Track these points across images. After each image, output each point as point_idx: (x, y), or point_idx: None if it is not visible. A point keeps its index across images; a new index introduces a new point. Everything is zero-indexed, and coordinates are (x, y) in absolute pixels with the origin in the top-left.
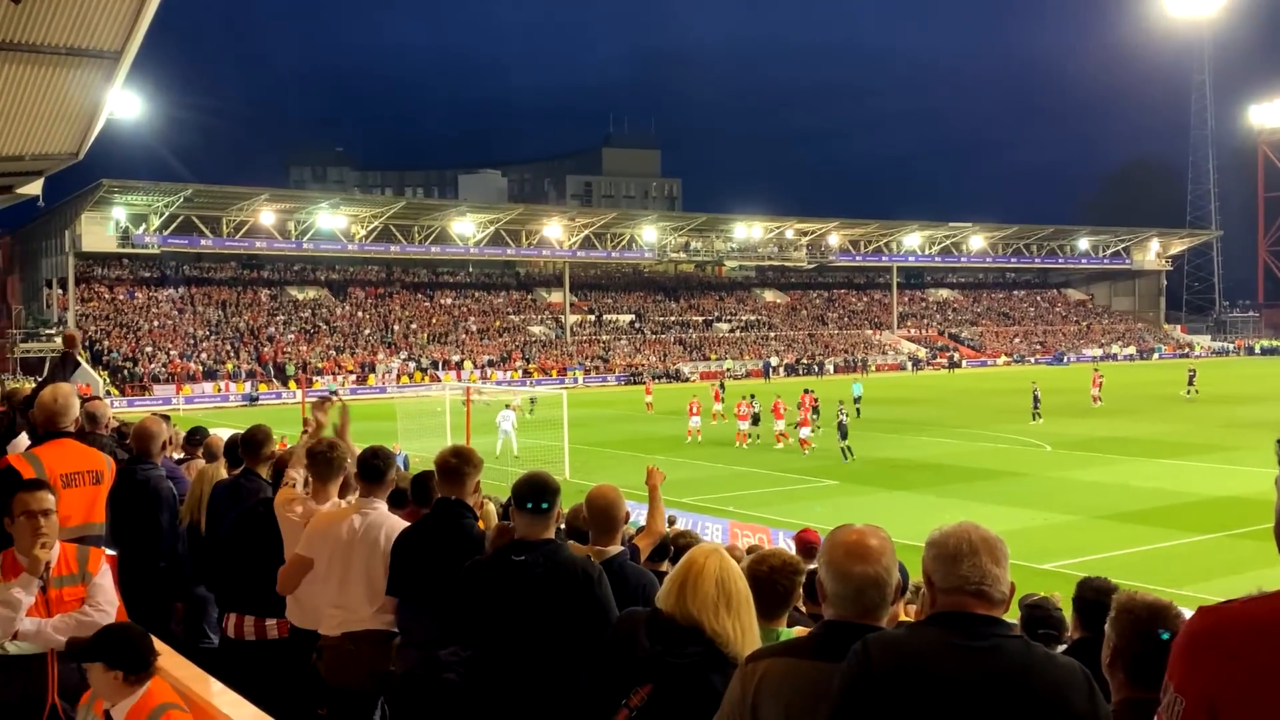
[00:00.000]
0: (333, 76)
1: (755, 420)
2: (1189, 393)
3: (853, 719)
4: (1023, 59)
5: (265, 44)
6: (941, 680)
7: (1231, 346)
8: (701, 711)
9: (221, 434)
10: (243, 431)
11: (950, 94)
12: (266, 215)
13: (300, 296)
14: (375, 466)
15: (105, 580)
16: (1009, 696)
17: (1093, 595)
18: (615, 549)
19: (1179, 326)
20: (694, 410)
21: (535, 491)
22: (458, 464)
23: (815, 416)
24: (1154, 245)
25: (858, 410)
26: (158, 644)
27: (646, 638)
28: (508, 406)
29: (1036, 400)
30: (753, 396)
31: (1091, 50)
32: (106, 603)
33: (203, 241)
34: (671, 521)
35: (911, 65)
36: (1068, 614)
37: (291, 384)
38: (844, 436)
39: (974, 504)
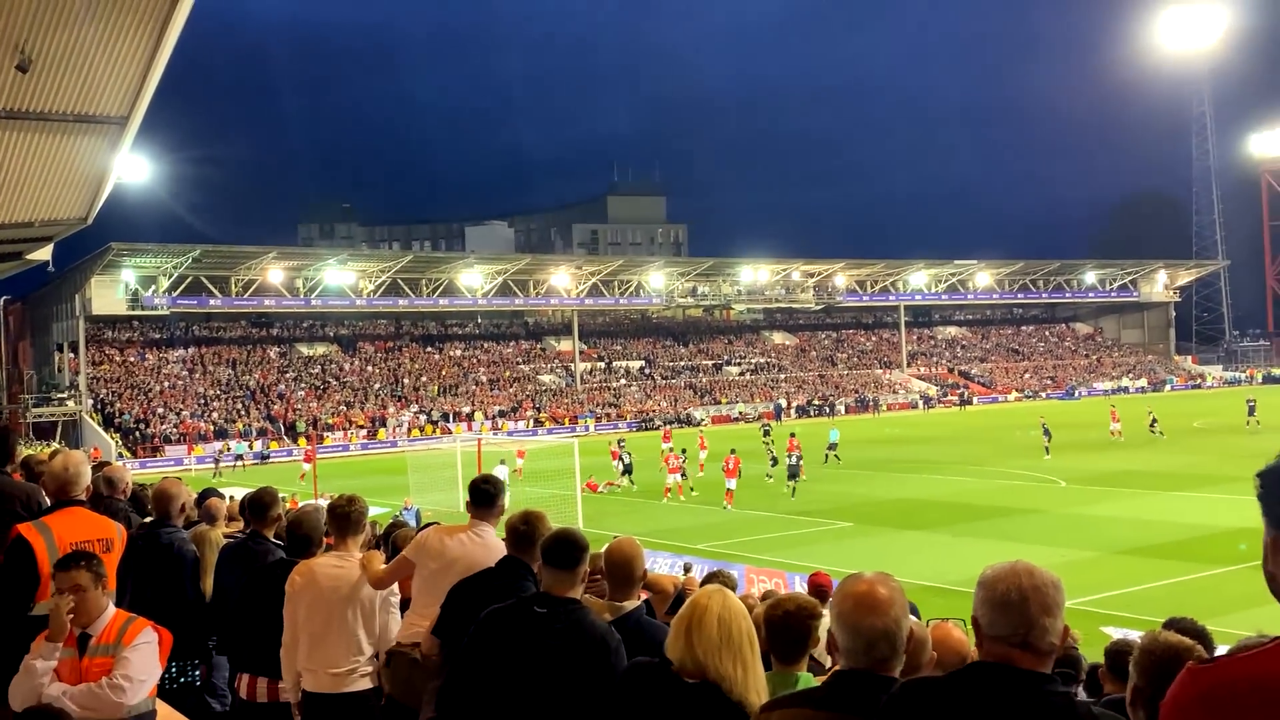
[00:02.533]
0: (338, 133)
1: (684, 475)
2: (1250, 424)
3: None
4: (1023, 96)
5: (272, 103)
6: None
7: (1243, 376)
8: None
9: (225, 495)
10: (250, 493)
11: (952, 133)
12: (275, 273)
13: (310, 353)
14: (347, 515)
15: (135, 654)
16: None
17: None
18: (633, 604)
19: (1190, 357)
20: (673, 466)
21: (565, 548)
22: (528, 530)
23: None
24: (1161, 277)
25: (835, 456)
26: (165, 708)
27: (656, 692)
28: (501, 462)
29: (1047, 434)
30: (684, 450)
31: (1091, 85)
32: (125, 676)
33: (211, 301)
34: (687, 569)
35: (914, 106)
36: (1085, 650)
37: (302, 441)
38: (792, 476)
39: (990, 541)
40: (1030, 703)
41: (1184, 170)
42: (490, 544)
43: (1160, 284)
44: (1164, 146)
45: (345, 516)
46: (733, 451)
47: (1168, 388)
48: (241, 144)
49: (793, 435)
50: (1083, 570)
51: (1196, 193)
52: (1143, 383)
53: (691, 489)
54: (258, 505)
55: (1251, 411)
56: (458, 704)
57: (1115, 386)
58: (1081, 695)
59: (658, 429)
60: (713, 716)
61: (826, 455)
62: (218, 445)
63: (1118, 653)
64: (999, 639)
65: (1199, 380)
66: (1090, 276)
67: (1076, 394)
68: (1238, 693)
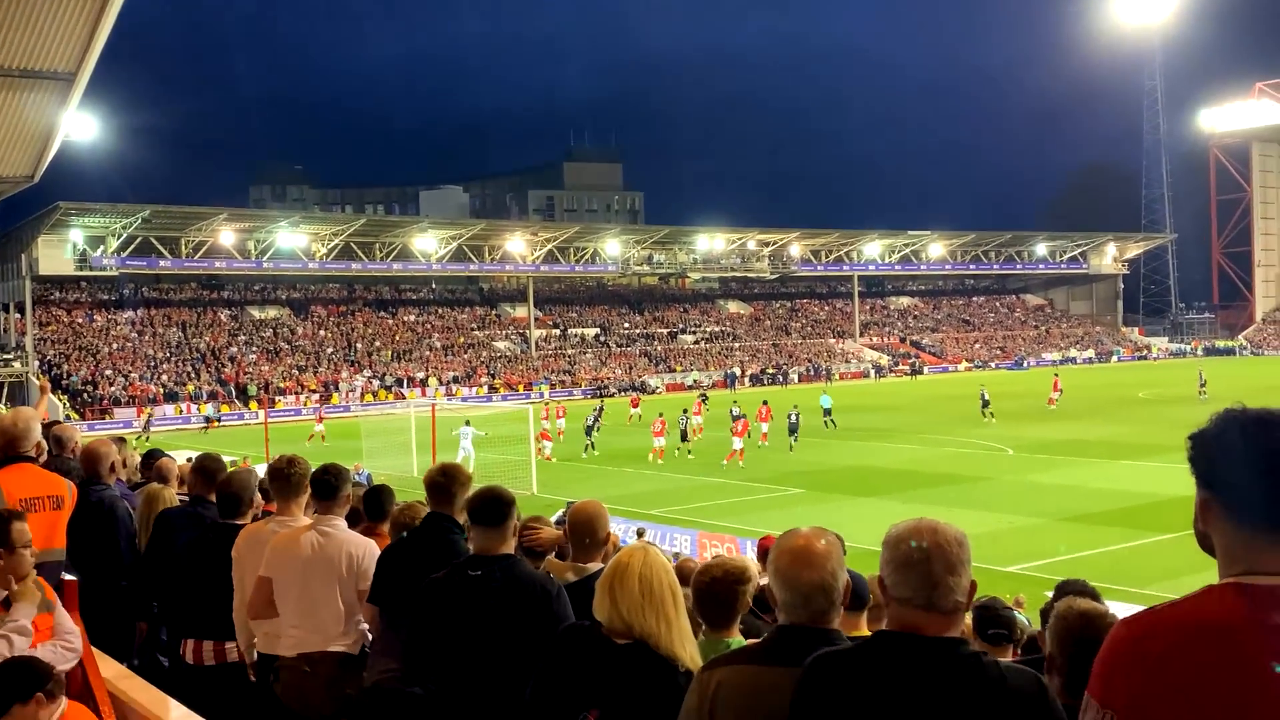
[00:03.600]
0: (292, 94)
1: (684, 436)
2: (1202, 395)
3: None
4: (978, 67)
5: (223, 63)
6: (885, 711)
7: (1188, 348)
8: None
9: (176, 457)
10: (195, 458)
11: (909, 104)
12: (226, 235)
13: (261, 316)
14: (328, 483)
15: (60, 610)
16: None
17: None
18: (596, 565)
19: (1136, 329)
20: (658, 430)
21: (490, 505)
22: (445, 482)
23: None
24: (1110, 249)
25: (832, 422)
26: (116, 666)
27: (588, 656)
28: (466, 423)
29: (985, 402)
30: (685, 410)
31: (1045, 58)
32: (69, 633)
33: (161, 263)
34: (640, 533)
35: (870, 75)
36: (1032, 614)
37: (254, 404)
38: (792, 433)
39: (939, 508)
40: (940, 670)
41: (1135, 144)
42: (342, 537)
43: (1109, 256)
44: (1116, 120)
45: (286, 478)
46: (745, 413)
47: (1114, 359)
48: (192, 104)
49: (765, 403)
50: (1029, 536)
51: (1147, 166)
52: (1090, 354)
53: (689, 452)
54: (203, 471)
55: (1204, 383)
56: (420, 672)
57: (1063, 357)
58: (1010, 657)
59: (625, 394)
60: (644, 674)
61: (825, 421)
62: (169, 409)
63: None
64: (904, 600)
65: (1145, 352)
66: (1041, 248)
67: (1025, 364)
68: (1166, 636)
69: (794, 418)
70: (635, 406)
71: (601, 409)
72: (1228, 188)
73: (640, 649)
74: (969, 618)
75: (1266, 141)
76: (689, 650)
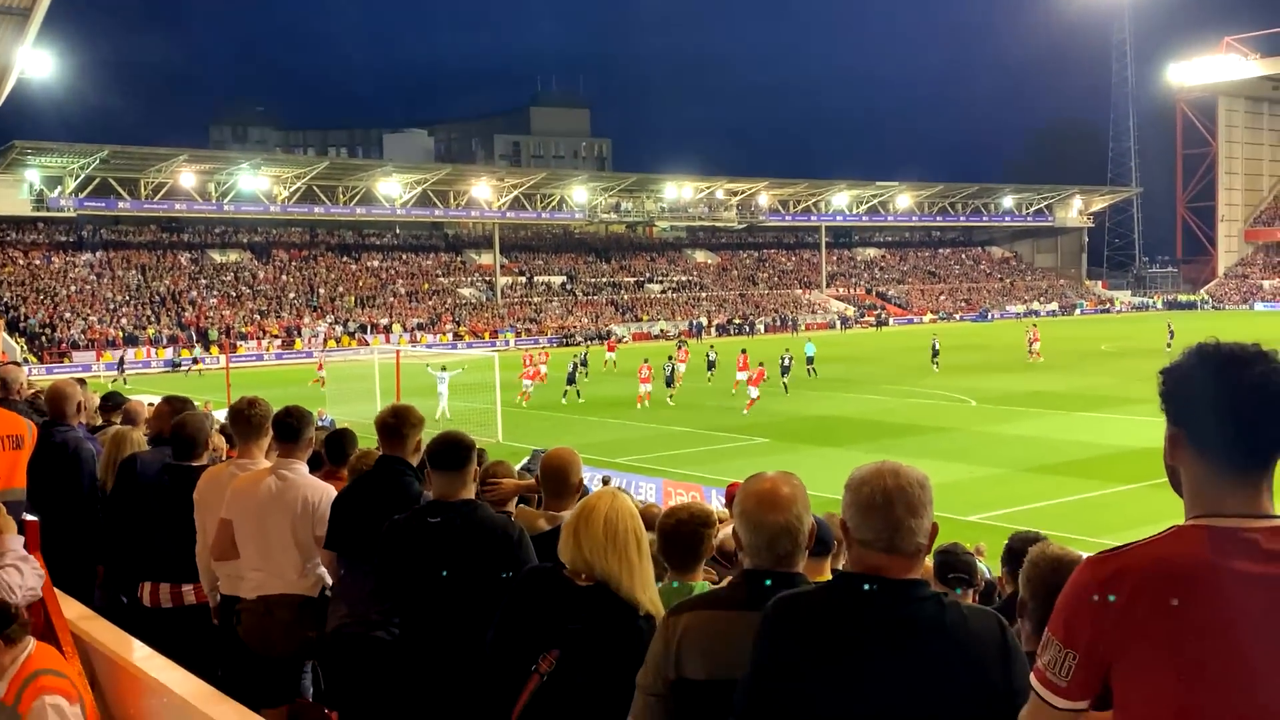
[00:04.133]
0: (254, 34)
1: (669, 382)
2: (1169, 347)
3: (762, 683)
4: (948, 19)
5: (185, 0)
6: (847, 651)
7: (1151, 301)
8: (611, 666)
9: (142, 400)
10: (161, 401)
11: (879, 54)
12: (186, 177)
13: (222, 260)
14: (289, 425)
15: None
16: (919, 666)
17: (1020, 547)
18: (568, 513)
19: (1100, 282)
20: (645, 375)
21: (449, 450)
22: (396, 423)
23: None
24: (1076, 203)
25: (813, 370)
26: (78, 607)
27: (549, 598)
28: (443, 369)
29: (935, 351)
30: (670, 357)
31: (1015, 11)
32: (19, 559)
33: (120, 204)
34: (606, 481)
35: (842, 25)
36: (993, 563)
37: (214, 349)
38: (784, 373)
39: (903, 458)
40: (902, 612)
41: (1103, 98)
42: (300, 480)
43: (1075, 210)
44: (1085, 74)
45: (246, 420)
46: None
47: (1078, 312)
48: (152, 41)
49: (743, 351)
50: (992, 486)
51: (1114, 120)
52: (1054, 306)
53: (670, 398)
54: (171, 414)
55: (1172, 335)
56: (386, 616)
57: (1026, 310)
58: (970, 600)
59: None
60: (604, 616)
61: (809, 370)
62: (130, 352)
63: (1009, 551)
64: (866, 543)
65: (1108, 305)
66: (1008, 201)
67: (990, 316)
68: (1128, 579)
69: (786, 360)
70: (611, 351)
71: (585, 357)
72: (1194, 142)
73: (601, 591)
74: (930, 562)
75: (1233, 96)
76: (649, 595)
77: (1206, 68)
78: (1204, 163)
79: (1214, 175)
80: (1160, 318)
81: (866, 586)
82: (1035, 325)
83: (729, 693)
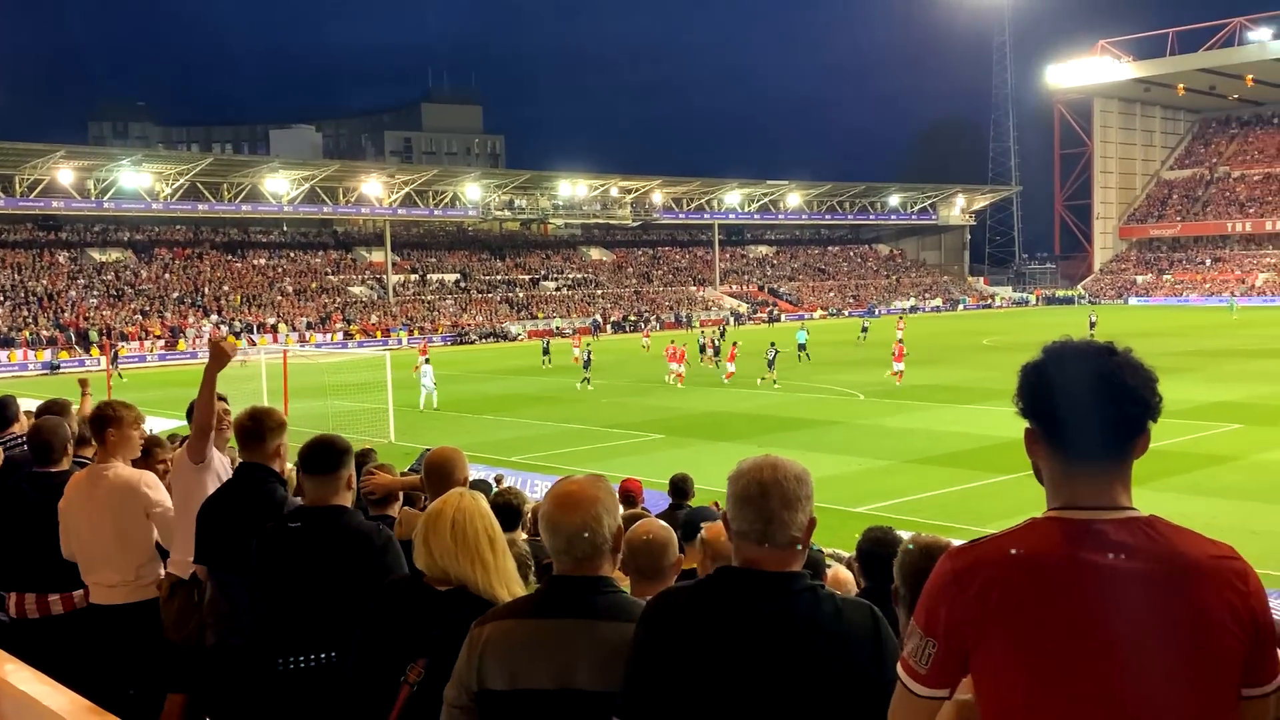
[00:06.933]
0: (135, 27)
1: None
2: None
3: (641, 680)
4: (837, 20)
5: None
6: (724, 645)
7: (1031, 297)
8: None
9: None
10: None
11: (770, 54)
12: (64, 173)
13: (102, 258)
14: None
15: None
16: (794, 658)
17: (869, 546)
18: None
19: (982, 278)
20: (675, 356)
21: (320, 453)
22: (255, 426)
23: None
24: (959, 201)
25: (806, 355)
26: None
27: (410, 608)
28: (427, 361)
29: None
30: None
31: (901, 13)
32: None
33: None
34: (499, 480)
35: (734, 25)
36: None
37: (95, 350)
38: (770, 367)
39: (793, 451)
40: (776, 605)
41: (985, 99)
42: (111, 475)
43: (958, 208)
44: (968, 76)
45: (106, 423)
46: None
47: (960, 307)
48: (26, 34)
49: (672, 342)
50: (878, 478)
51: (995, 121)
52: (938, 302)
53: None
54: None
55: (1092, 326)
56: (264, 629)
57: (911, 305)
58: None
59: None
60: (466, 618)
61: (799, 355)
62: (2, 355)
63: (859, 549)
64: (743, 534)
65: (990, 300)
66: (893, 199)
67: (877, 312)
68: (985, 569)
69: (771, 354)
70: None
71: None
72: (1070, 142)
73: (460, 594)
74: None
75: (1108, 98)
76: (511, 590)
77: (1082, 70)
78: (1080, 162)
79: (1090, 174)
80: (1037, 313)
81: (743, 580)
82: (902, 318)
83: (531, 703)
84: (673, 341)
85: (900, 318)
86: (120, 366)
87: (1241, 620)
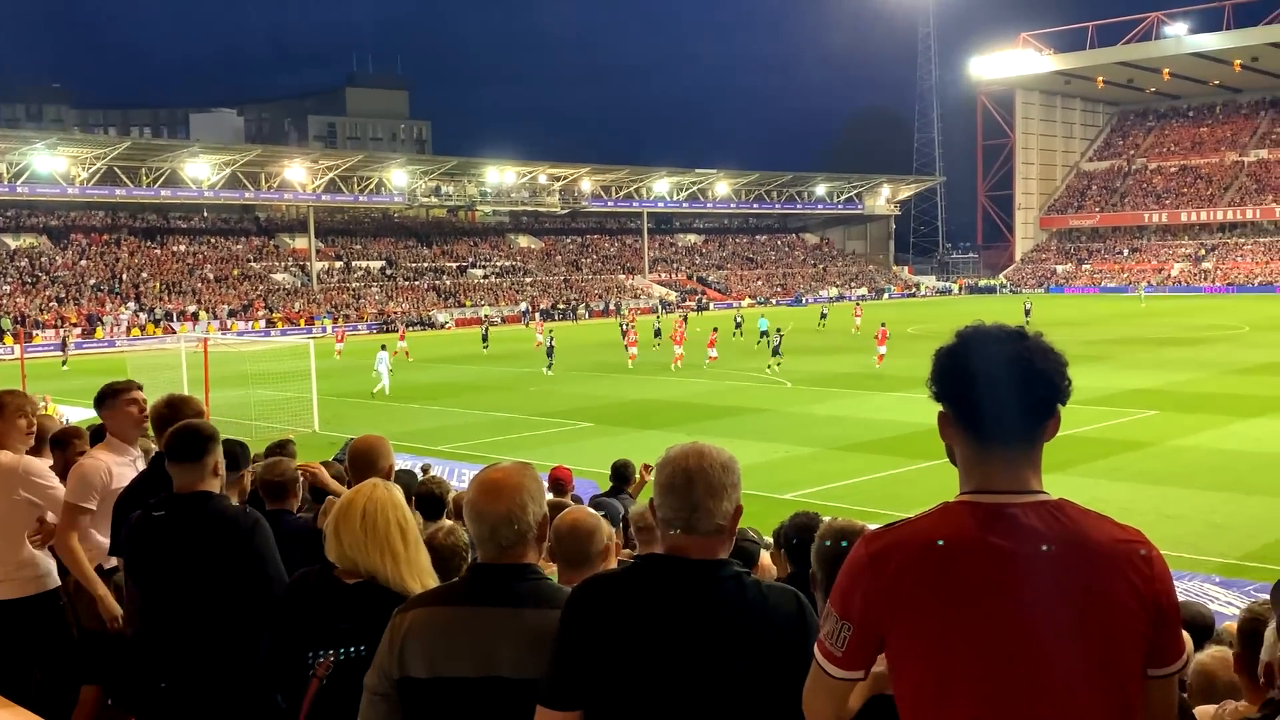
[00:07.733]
0: (48, 6)
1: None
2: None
3: (565, 667)
4: (765, 11)
5: None
6: (648, 632)
7: (954, 286)
8: None
9: None
10: None
11: (701, 43)
12: None
13: (15, 244)
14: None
15: None
16: (718, 643)
17: (794, 531)
18: None
19: (906, 267)
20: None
21: (185, 441)
22: (171, 415)
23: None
24: (884, 191)
25: (778, 337)
26: None
27: (318, 600)
28: (382, 347)
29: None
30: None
31: (829, 2)
32: None
33: None
34: (426, 470)
35: (662, 11)
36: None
37: (9, 339)
38: (775, 354)
39: (721, 439)
40: (701, 592)
41: (910, 90)
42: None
43: (883, 198)
44: (893, 67)
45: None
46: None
47: (886, 296)
48: None
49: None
50: (805, 465)
51: (920, 111)
52: (863, 291)
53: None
54: None
55: (1028, 314)
56: (144, 622)
57: (838, 294)
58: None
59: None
60: (376, 611)
61: (768, 342)
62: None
63: (782, 534)
64: (668, 522)
65: (914, 289)
66: (820, 189)
67: (804, 300)
68: (897, 554)
69: (777, 340)
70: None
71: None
72: (993, 133)
73: (370, 586)
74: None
75: (1029, 90)
76: (423, 581)
77: (1005, 62)
78: (1003, 153)
79: (1012, 165)
80: (961, 302)
81: (668, 567)
82: (859, 305)
83: (453, 691)
84: (682, 326)
85: (857, 304)
86: (69, 353)
87: (1145, 603)
